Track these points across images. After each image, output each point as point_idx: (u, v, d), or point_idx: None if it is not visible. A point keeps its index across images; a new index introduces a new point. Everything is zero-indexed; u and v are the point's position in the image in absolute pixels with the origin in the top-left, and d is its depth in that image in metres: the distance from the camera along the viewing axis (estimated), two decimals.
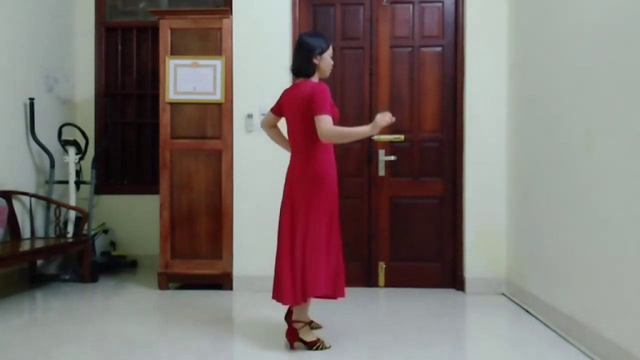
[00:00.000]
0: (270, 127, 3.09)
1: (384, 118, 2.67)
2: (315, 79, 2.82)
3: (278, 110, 2.98)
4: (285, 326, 2.88)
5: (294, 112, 2.79)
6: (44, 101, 4.57)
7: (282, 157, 4.01)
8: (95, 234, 4.65)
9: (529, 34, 3.57)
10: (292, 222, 2.77)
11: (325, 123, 2.62)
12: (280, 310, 3.39)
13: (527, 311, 3.43)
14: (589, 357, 2.58)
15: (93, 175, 4.53)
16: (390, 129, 4.12)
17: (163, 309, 3.63)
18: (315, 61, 2.78)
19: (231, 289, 4.01)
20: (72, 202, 4.45)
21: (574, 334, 2.80)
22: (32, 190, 4.38)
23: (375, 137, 4.10)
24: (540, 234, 3.31)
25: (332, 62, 2.87)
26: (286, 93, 2.91)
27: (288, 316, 2.85)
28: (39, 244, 4.06)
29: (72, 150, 4.48)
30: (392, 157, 4.11)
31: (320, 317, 3.33)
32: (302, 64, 2.79)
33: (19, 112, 4.31)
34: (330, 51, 2.83)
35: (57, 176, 4.58)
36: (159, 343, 2.90)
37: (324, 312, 3.43)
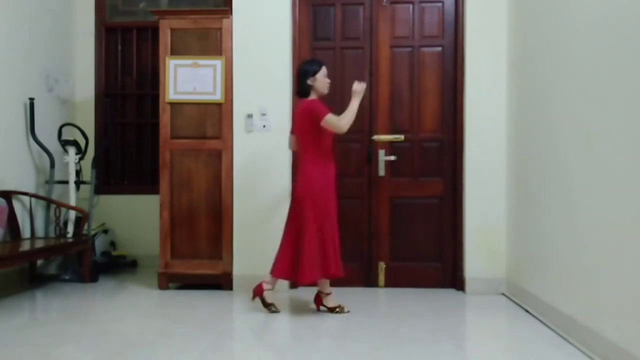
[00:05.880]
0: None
1: (359, 86, 3.28)
2: (313, 97, 3.35)
3: (293, 129, 3.51)
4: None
5: (298, 127, 3.40)
6: (44, 101, 4.57)
7: (281, 157, 4.02)
8: (95, 234, 4.65)
9: (529, 33, 3.57)
10: (296, 216, 3.34)
11: (332, 121, 3.22)
12: (279, 309, 3.40)
13: (527, 311, 3.43)
14: (589, 357, 2.58)
15: (93, 175, 4.53)
16: (390, 129, 4.13)
17: (163, 309, 3.63)
18: (309, 82, 3.33)
19: (231, 289, 4.00)
20: (72, 202, 4.44)
21: (574, 334, 2.79)
22: (32, 190, 4.38)
23: (376, 137, 4.10)
24: (540, 234, 3.31)
25: (327, 81, 3.39)
26: (294, 112, 3.49)
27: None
28: (39, 244, 4.06)
29: (72, 150, 4.47)
30: (392, 157, 4.11)
31: (320, 317, 3.33)
32: (300, 86, 3.38)
33: (19, 112, 4.31)
34: (323, 71, 3.36)
35: (57, 176, 4.57)
36: (159, 343, 2.89)
37: (324, 312, 3.44)
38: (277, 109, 4.02)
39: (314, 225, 3.27)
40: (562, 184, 3.00)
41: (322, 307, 3.46)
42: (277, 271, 3.35)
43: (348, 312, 3.43)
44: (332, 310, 3.42)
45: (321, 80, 3.36)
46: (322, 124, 3.22)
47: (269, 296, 3.39)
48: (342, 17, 4.18)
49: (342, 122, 3.20)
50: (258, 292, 3.39)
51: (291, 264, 3.31)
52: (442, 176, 4.12)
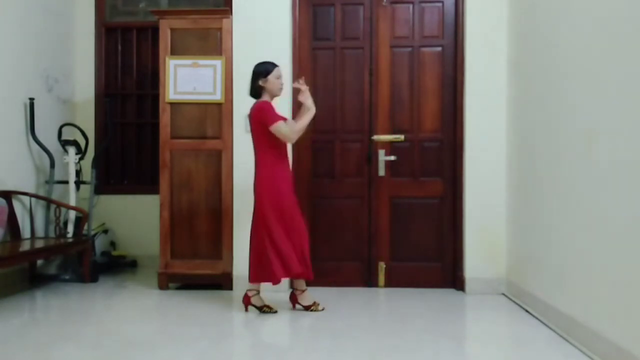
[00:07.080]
0: None
1: (303, 95, 3.35)
2: (266, 98, 3.37)
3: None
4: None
5: (251, 128, 3.37)
6: (44, 101, 4.57)
7: None
8: (95, 234, 4.65)
9: (528, 33, 3.57)
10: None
11: (281, 129, 3.24)
12: (279, 310, 3.40)
13: (527, 311, 3.43)
14: (589, 357, 2.58)
15: (93, 175, 4.53)
16: (390, 129, 4.13)
17: (163, 309, 3.63)
18: (261, 83, 3.34)
19: (231, 289, 4.00)
20: (72, 202, 4.44)
21: (574, 334, 2.79)
22: (32, 190, 4.38)
23: (375, 137, 4.10)
24: (541, 234, 3.31)
25: (280, 82, 3.39)
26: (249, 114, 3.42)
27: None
28: (39, 244, 4.06)
29: (72, 150, 4.47)
30: (392, 157, 4.10)
31: (320, 317, 3.33)
32: (251, 87, 3.40)
33: (19, 112, 4.31)
34: (275, 73, 3.36)
35: (57, 176, 4.57)
36: (159, 343, 2.89)
37: (324, 311, 3.44)
38: (277, 109, 4.01)
39: (269, 228, 3.27)
40: (562, 184, 3.00)
41: (297, 305, 3.47)
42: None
43: (323, 309, 3.44)
44: (307, 308, 3.43)
45: (273, 82, 3.36)
46: (272, 130, 3.24)
47: (257, 300, 3.40)
48: (342, 17, 4.18)
49: (294, 130, 3.28)
50: (246, 301, 3.41)
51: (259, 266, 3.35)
52: (442, 176, 4.12)
